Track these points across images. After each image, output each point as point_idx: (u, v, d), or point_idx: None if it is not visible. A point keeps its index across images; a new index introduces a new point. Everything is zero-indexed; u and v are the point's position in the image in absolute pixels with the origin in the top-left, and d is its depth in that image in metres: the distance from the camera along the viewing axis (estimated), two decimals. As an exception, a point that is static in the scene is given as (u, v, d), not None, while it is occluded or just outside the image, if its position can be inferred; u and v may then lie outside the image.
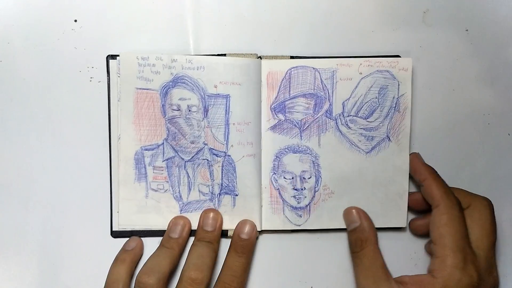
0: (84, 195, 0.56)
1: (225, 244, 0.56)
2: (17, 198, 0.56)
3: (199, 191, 0.56)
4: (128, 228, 0.56)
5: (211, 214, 0.55)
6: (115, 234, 0.56)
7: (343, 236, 0.58)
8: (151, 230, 0.56)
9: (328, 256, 0.58)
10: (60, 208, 0.56)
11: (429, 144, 0.59)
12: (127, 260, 0.54)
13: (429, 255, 0.57)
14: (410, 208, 0.57)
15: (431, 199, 0.53)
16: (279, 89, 0.56)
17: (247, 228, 0.55)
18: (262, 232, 0.57)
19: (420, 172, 0.55)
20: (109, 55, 0.56)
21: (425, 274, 0.52)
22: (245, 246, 0.54)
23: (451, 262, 0.51)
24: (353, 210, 0.56)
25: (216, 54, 0.56)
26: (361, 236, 0.54)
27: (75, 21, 0.56)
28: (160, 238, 0.56)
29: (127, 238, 0.56)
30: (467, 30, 0.59)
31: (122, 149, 0.56)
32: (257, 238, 0.57)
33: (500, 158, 0.60)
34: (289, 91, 0.56)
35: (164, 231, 0.56)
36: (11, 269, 0.56)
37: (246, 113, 0.56)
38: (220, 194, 0.56)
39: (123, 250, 0.55)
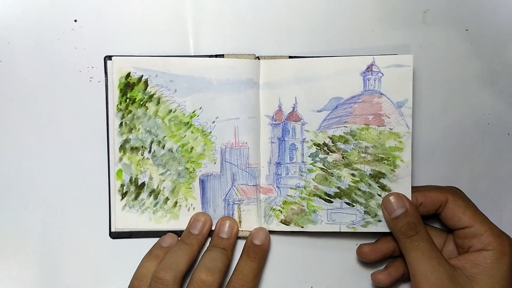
0: (84, 195, 0.56)
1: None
2: (17, 198, 0.56)
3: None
4: (127, 229, 0.56)
5: (228, 222, 0.55)
6: (114, 235, 0.56)
7: (343, 236, 0.58)
8: (150, 231, 0.56)
9: (328, 256, 0.58)
10: (60, 208, 0.56)
11: (429, 144, 0.59)
12: (161, 257, 0.53)
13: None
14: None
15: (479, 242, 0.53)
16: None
17: (261, 235, 0.55)
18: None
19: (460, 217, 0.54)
20: (106, 56, 0.56)
21: (476, 252, 0.52)
22: (258, 252, 0.54)
23: (497, 231, 0.52)
24: (395, 196, 0.54)
25: (215, 54, 0.56)
26: (413, 220, 0.52)
27: (75, 21, 0.56)
28: (158, 240, 0.56)
29: (126, 239, 0.56)
30: (467, 30, 0.59)
31: (118, 152, 0.56)
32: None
33: (500, 158, 0.60)
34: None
35: (162, 232, 0.56)
36: (11, 269, 0.56)
37: (243, 114, 0.56)
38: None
39: (159, 245, 0.55)
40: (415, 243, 0.52)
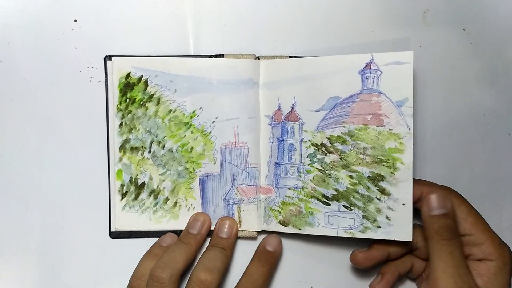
0: (84, 195, 0.56)
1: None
2: (17, 198, 0.56)
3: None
4: (127, 229, 0.56)
5: (228, 222, 0.55)
6: (114, 235, 0.57)
7: (342, 238, 0.57)
8: (149, 231, 0.57)
9: (329, 256, 0.58)
10: (60, 208, 0.56)
11: (429, 144, 0.59)
12: (160, 256, 0.53)
13: None
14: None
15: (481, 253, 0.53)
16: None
17: (274, 242, 0.55)
18: (262, 232, 0.57)
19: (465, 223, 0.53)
20: (106, 56, 0.56)
21: (479, 262, 0.52)
22: (269, 258, 0.55)
23: (497, 241, 0.52)
24: (440, 195, 0.52)
25: (215, 54, 0.56)
26: (452, 223, 0.51)
27: (75, 21, 0.56)
28: (158, 239, 0.56)
29: (126, 239, 0.56)
30: (464, 29, 0.59)
31: (118, 152, 0.56)
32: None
33: (500, 158, 0.60)
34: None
35: (162, 232, 0.56)
36: (11, 269, 0.56)
37: (243, 114, 0.56)
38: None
39: (159, 245, 0.55)
40: (449, 247, 0.50)
